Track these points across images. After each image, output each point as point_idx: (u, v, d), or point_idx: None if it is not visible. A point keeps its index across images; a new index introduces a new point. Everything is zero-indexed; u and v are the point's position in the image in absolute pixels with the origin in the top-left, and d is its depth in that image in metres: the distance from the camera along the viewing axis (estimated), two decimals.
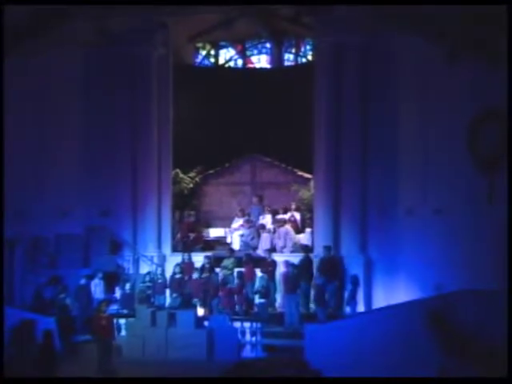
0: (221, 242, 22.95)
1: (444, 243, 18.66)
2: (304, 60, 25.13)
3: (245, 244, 21.92)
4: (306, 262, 20.01)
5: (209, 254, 21.37)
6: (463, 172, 18.22)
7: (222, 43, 25.84)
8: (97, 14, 20.51)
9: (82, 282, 20.02)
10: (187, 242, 22.54)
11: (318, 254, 20.40)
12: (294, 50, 25.41)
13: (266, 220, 22.59)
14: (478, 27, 16.62)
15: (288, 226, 21.99)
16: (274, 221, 22.43)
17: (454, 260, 18.23)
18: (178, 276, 20.37)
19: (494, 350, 15.56)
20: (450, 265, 18.33)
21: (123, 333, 19.16)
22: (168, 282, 20.51)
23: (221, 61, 25.97)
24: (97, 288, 20.12)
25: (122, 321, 19.32)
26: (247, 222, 22.36)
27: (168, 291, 20.51)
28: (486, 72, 16.97)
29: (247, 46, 25.87)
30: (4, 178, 19.41)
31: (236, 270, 20.23)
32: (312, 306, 19.62)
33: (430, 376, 15.20)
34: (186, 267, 20.64)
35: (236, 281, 19.83)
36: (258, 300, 19.55)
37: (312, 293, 19.58)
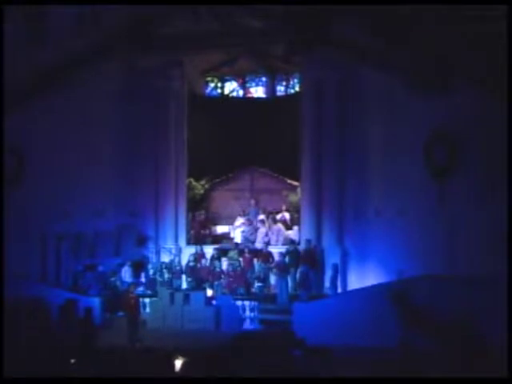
0: (226, 236, 22.95)
1: (404, 237, 18.72)
2: (292, 91, 25.21)
3: (245, 238, 21.96)
4: (294, 253, 20.11)
5: (216, 246, 21.50)
6: (419, 181, 18.32)
7: (227, 77, 25.84)
8: (129, 55, 20.66)
9: (114, 268, 20.19)
10: (199, 236, 22.64)
11: (303, 246, 20.50)
12: (284, 83, 25.47)
13: (262, 219, 22.62)
14: (434, 66, 16.74)
15: (280, 225, 22.10)
16: (270, 220, 22.52)
17: (412, 250, 18.33)
18: (191, 264, 20.47)
19: (444, 323, 15.73)
20: (409, 254, 18.41)
21: (148, 309, 19.24)
22: (184, 269, 20.64)
23: (226, 91, 26.02)
24: (126, 273, 20.25)
25: (147, 300, 19.38)
26: (247, 220, 22.43)
27: (183, 276, 20.60)
28: (438, 102, 17.15)
29: (247, 79, 25.90)
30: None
31: (241, 259, 20.30)
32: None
33: (393, 343, 15.35)
34: (199, 257, 20.74)
35: (239, 268, 19.88)
36: (256, 283, 19.68)
37: (297, 277, 19.70)
